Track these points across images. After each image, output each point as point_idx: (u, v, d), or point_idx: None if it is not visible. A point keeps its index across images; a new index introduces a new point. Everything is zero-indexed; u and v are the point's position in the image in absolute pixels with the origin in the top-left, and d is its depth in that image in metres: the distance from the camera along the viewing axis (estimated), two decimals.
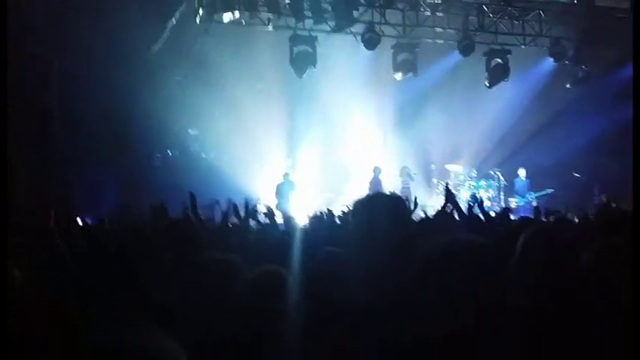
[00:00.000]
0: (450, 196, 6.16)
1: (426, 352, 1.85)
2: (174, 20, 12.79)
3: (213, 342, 2.34)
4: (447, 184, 13.04)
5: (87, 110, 13.96)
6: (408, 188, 16.73)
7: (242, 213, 6.39)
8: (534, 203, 17.10)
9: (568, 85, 16.42)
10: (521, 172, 17.39)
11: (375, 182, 16.65)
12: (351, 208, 2.34)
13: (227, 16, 12.72)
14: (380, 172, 17.01)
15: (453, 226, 5.57)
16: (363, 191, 16.00)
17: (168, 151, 17.56)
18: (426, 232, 4.60)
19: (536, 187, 17.34)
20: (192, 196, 5.65)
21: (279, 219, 8.30)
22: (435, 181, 18.50)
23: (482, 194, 17.50)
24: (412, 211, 6.47)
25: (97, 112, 14.10)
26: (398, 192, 16.67)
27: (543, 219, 10.08)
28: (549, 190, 16.99)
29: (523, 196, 17.23)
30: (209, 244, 4.32)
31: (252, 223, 6.76)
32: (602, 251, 2.94)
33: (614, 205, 7.75)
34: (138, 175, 15.49)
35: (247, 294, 2.53)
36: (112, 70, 13.02)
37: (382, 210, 2.24)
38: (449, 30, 14.84)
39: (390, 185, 16.56)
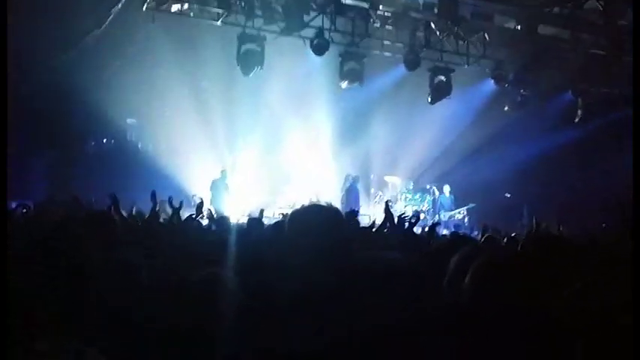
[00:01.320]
0: (388, 214, 6.26)
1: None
2: (119, 5, 12.41)
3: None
4: (389, 201, 13.18)
5: (21, 91, 13.40)
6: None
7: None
8: (461, 217, 17.66)
9: (506, 108, 16.91)
10: (446, 189, 17.91)
11: (352, 191, 16.72)
12: (287, 218, 2.29)
13: (175, 7, 12.47)
14: (358, 181, 17.09)
15: (388, 241, 5.62)
16: (330, 198, 16.20)
17: (104, 138, 17.10)
18: (361, 245, 4.61)
19: (465, 204, 17.90)
20: (114, 198, 5.48)
21: (213, 215, 8.19)
22: (372, 190, 18.73)
23: (417, 207, 17.90)
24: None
25: (32, 93, 13.55)
26: (339, 199, 16.82)
27: (477, 235, 10.35)
28: (471, 205, 17.58)
29: (448, 211, 17.74)
30: (131, 242, 4.19)
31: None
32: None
33: (543, 226, 8.02)
34: (70, 162, 15.00)
35: (187, 296, 2.46)
36: (51, 51, 12.54)
37: (317, 222, 2.19)
38: (396, 43, 15.01)
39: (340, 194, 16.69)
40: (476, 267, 2.30)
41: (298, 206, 2.34)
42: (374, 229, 6.55)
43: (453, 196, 17.93)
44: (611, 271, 3.49)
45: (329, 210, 2.27)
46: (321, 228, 2.15)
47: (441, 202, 18.00)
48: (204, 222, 6.85)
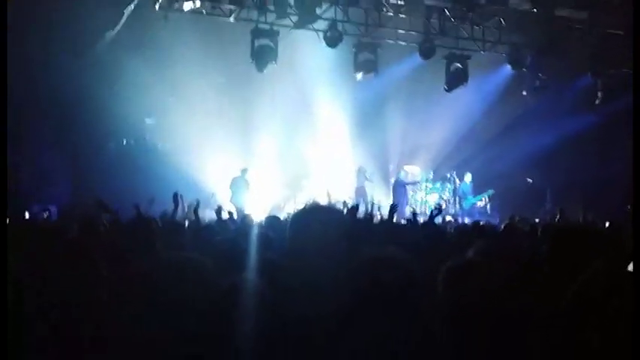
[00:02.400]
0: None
1: None
2: (132, 6, 12.45)
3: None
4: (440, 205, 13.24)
5: (40, 95, 13.54)
6: (363, 187, 16.85)
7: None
8: (482, 204, 17.56)
9: (524, 93, 16.70)
10: (467, 177, 17.78)
11: (398, 187, 16.91)
12: (288, 221, 2.26)
13: (188, 5, 12.48)
14: (404, 176, 17.28)
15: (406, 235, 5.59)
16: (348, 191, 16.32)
17: (123, 139, 17.21)
18: (373, 240, 4.58)
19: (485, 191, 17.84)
20: (137, 208, 5.39)
21: (234, 214, 8.22)
22: (392, 181, 18.66)
23: (437, 197, 17.86)
24: (370, 216, 6.48)
25: (51, 97, 13.68)
26: (353, 192, 16.82)
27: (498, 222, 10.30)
28: (490, 192, 17.43)
29: (468, 199, 17.65)
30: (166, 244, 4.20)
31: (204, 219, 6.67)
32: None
33: (565, 216, 7.95)
34: (91, 164, 15.11)
35: (219, 300, 2.43)
36: (67, 55, 12.64)
37: (319, 224, 2.15)
38: (410, 32, 14.89)
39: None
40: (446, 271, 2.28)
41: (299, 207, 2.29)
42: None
43: (473, 184, 17.85)
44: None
45: (329, 211, 2.23)
46: (321, 230, 2.11)
47: (462, 191, 17.89)
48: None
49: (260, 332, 2.08)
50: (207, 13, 13.16)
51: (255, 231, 4.99)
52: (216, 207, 7.06)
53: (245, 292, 2.40)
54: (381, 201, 16.40)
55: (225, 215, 7.67)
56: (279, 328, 2.01)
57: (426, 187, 18.36)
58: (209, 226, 6.09)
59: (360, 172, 17.07)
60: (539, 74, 16.15)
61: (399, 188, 16.84)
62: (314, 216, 2.19)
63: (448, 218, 15.83)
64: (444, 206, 17.24)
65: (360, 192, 16.82)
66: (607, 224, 8.82)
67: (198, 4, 12.57)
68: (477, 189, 17.87)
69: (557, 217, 8.81)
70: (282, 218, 7.16)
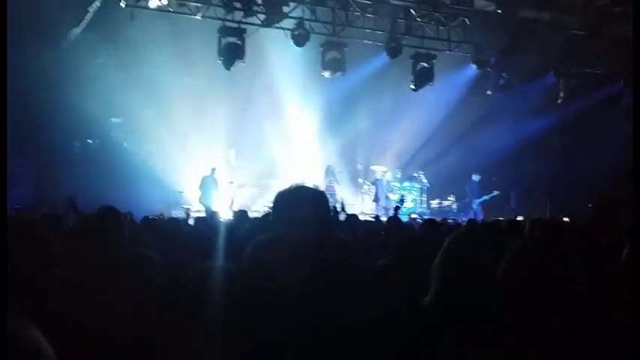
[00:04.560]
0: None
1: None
2: (97, 3, 12.29)
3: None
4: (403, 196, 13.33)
5: None
6: (332, 187, 16.89)
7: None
8: (474, 206, 17.51)
9: (489, 92, 16.93)
10: (475, 177, 17.72)
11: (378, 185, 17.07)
12: (273, 199, 2.30)
13: (154, 2, 12.38)
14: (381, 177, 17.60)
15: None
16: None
17: (89, 139, 16.93)
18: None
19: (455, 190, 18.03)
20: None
21: (202, 213, 8.19)
22: (360, 180, 18.75)
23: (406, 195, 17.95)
24: (336, 213, 6.54)
25: (12, 94, 13.37)
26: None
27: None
28: (495, 193, 17.38)
29: (473, 201, 17.60)
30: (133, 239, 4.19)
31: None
32: None
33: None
34: (55, 165, 14.84)
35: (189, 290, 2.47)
36: (29, 52, 12.39)
37: (304, 201, 2.21)
38: (377, 31, 15.01)
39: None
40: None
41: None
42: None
43: (480, 184, 17.80)
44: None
45: (315, 192, 2.29)
46: (307, 203, 2.17)
47: (472, 190, 17.89)
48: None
49: (231, 310, 2.10)
50: (173, 10, 13.07)
51: (223, 224, 5.01)
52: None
53: (215, 277, 2.42)
54: (348, 200, 16.55)
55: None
56: (252, 303, 2.04)
57: (394, 186, 18.47)
58: (177, 220, 6.09)
59: (329, 172, 17.11)
60: (503, 74, 16.39)
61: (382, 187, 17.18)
62: (301, 194, 2.23)
63: (414, 216, 15.99)
64: (411, 204, 17.43)
65: (329, 191, 16.87)
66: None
67: (165, 1, 12.48)
68: (482, 189, 17.76)
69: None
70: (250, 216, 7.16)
